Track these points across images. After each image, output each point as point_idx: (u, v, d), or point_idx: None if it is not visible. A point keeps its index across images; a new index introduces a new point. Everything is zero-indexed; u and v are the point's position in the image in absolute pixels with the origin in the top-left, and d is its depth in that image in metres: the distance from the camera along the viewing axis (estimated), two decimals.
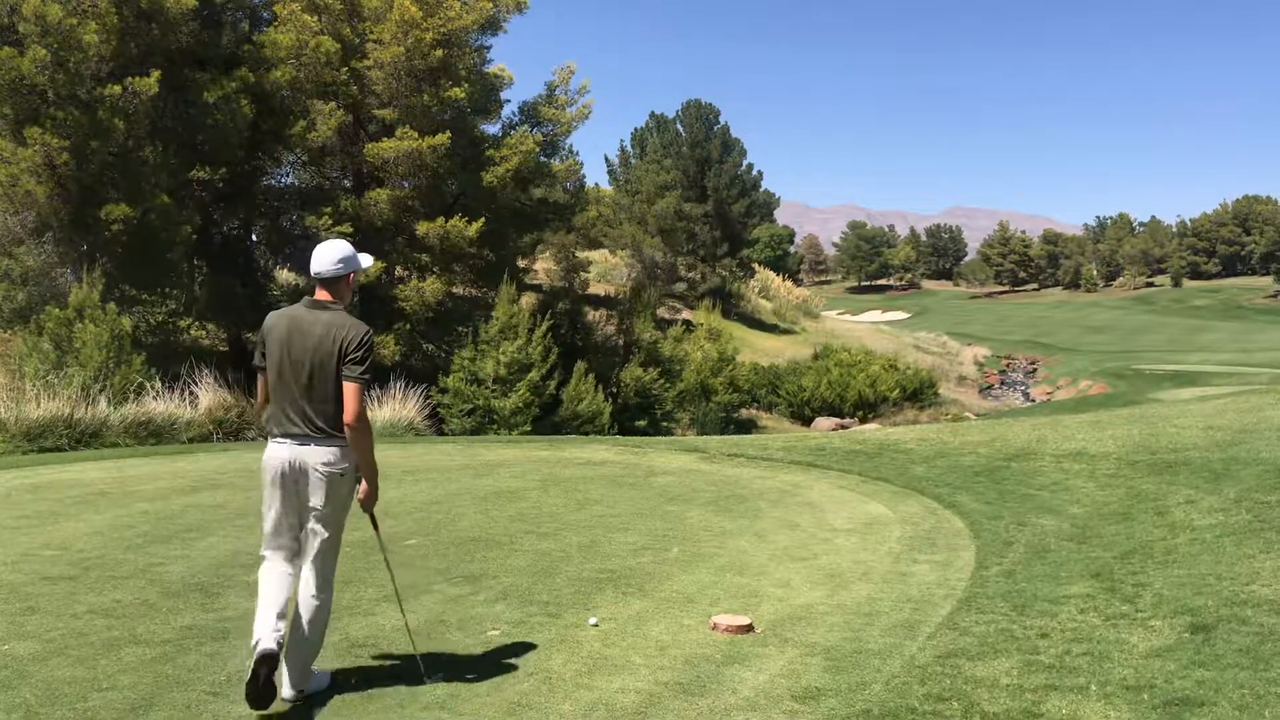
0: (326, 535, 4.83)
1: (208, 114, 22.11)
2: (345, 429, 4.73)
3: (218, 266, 26.19)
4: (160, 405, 15.99)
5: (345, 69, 25.29)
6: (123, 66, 20.99)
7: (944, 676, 4.99)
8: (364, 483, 4.86)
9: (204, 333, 26.77)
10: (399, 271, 28.09)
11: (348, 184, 27.85)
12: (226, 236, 27.71)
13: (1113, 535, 7.92)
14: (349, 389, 4.75)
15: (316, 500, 4.77)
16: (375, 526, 5.07)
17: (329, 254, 5.11)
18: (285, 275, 29.45)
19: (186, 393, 16.88)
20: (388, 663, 5.22)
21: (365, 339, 4.88)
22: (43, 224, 20.62)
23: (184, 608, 6.09)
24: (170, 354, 21.18)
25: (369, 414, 5.02)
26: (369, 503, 4.89)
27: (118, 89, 20.21)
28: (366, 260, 5.30)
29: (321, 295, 5.07)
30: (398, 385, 18.87)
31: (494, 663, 5.24)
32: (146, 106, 20.77)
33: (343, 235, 24.53)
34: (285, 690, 4.71)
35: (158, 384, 16.68)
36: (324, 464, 4.76)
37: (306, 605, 4.79)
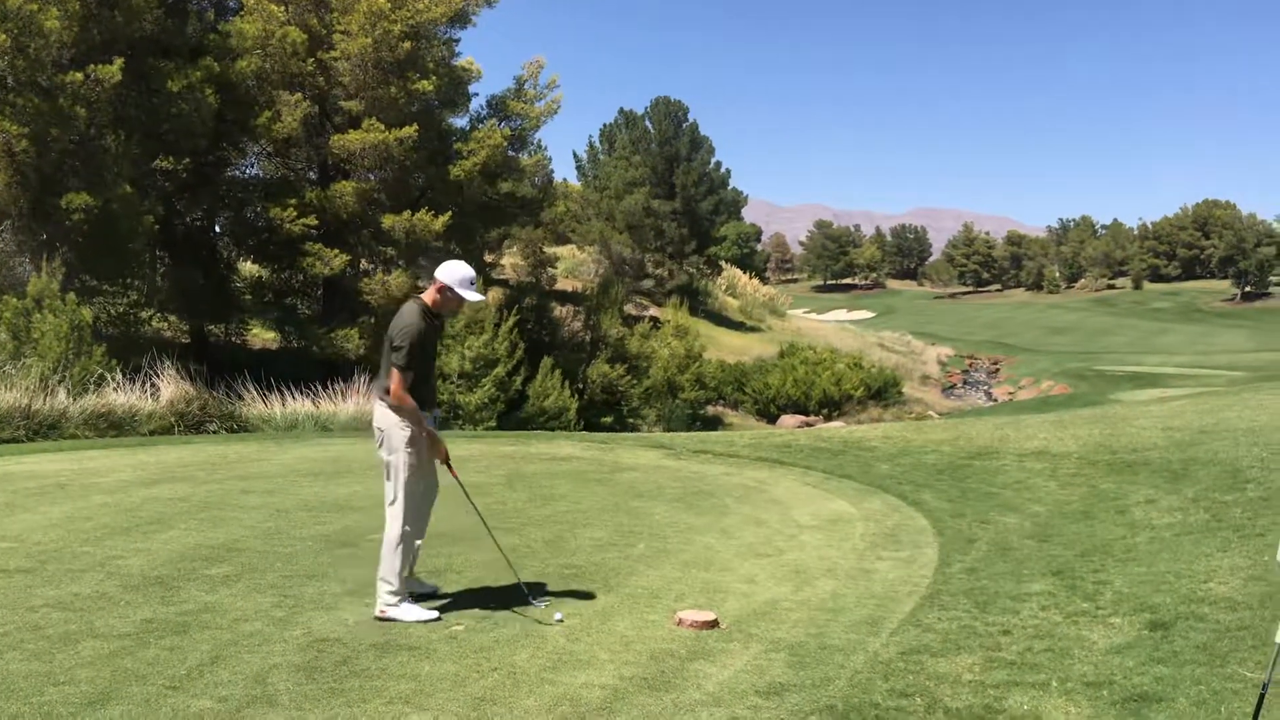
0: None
1: (172, 103, 21.84)
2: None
3: (180, 257, 25.90)
4: (121, 397, 15.80)
5: (312, 60, 25.08)
6: (85, 53, 20.69)
7: (907, 672, 5.02)
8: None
9: (166, 324, 26.46)
10: (364, 264, 27.90)
11: (313, 176, 27.62)
12: (189, 227, 27.38)
13: (1074, 534, 8.00)
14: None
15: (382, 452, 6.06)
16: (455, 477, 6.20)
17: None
18: (249, 267, 29.17)
19: (148, 385, 16.69)
20: (352, 655, 5.18)
21: (396, 328, 5.83)
22: (1, 212, 20.30)
23: (143, 601, 6.02)
24: (131, 345, 20.92)
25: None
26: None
27: (79, 76, 19.92)
28: (470, 293, 6.14)
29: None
30: (362, 379, 18.74)
31: (458, 657, 5.21)
32: (109, 94, 20.48)
33: (308, 227, 24.37)
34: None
35: (118, 375, 16.47)
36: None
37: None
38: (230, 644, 5.29)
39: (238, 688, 4.72)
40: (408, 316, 5.82)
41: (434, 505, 6.32)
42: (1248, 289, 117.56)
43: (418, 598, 6.14)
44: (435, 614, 5.83)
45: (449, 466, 6.09)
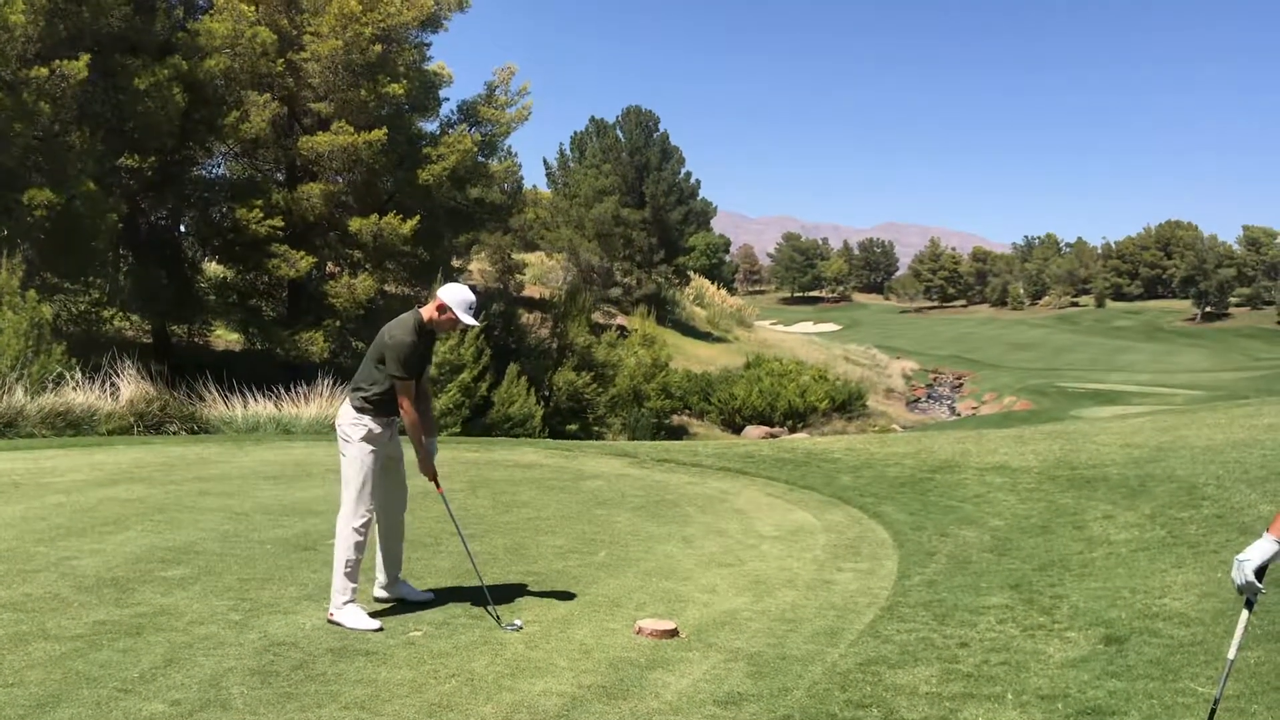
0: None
1: (138, 101, 21.63)
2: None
3: (143, 257, 25.64)
4: (80, 396, 15.60)
5: (281, 60, 24.93)
6: (50, 48, 20.45)
7: (865, 683, 5.04)
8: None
9: (128, 323, 26.17)
10: (330, 268, 27.75)
11: (280, 177, 27.43)
12: (154, 226, 27.14)
13: (1032, 548, 8.06)
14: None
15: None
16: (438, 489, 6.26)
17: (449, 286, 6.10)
18: (213, 267, 28.91)
19: (107, 384, 16.49)
20: (308, 660, 5.13)
21: (389, 345, 5.89)
22: None
23: (97, 603, 5.94)
24: (92, 344, 20.66)
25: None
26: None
27: (44, 71, 19.69)
28: (468, 317, 6.07)
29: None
30: (325, 383, 18.60)
31: (415, 663, 5.18)
32: (74, 90, 20.27)
33: (274, 229, 24.21)
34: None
35: (78, 374, 16.25)
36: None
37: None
38: (185, 647, 5.23)
39: (191, 691, 4.67)
40: (401, 334, 5.84)
41: (405, 510, 6.29)
42: (1208, 309, 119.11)
43: (409, 606, 6.12)
44: (378, 624, 5.74)
45: (436, 484, 6.16)
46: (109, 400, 15.99)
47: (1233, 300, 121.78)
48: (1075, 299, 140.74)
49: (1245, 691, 4.68)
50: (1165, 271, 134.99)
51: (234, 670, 4.95)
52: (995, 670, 5.21)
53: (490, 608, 6.06)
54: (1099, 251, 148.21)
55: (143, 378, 17.04)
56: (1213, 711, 4.14)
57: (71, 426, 14.86)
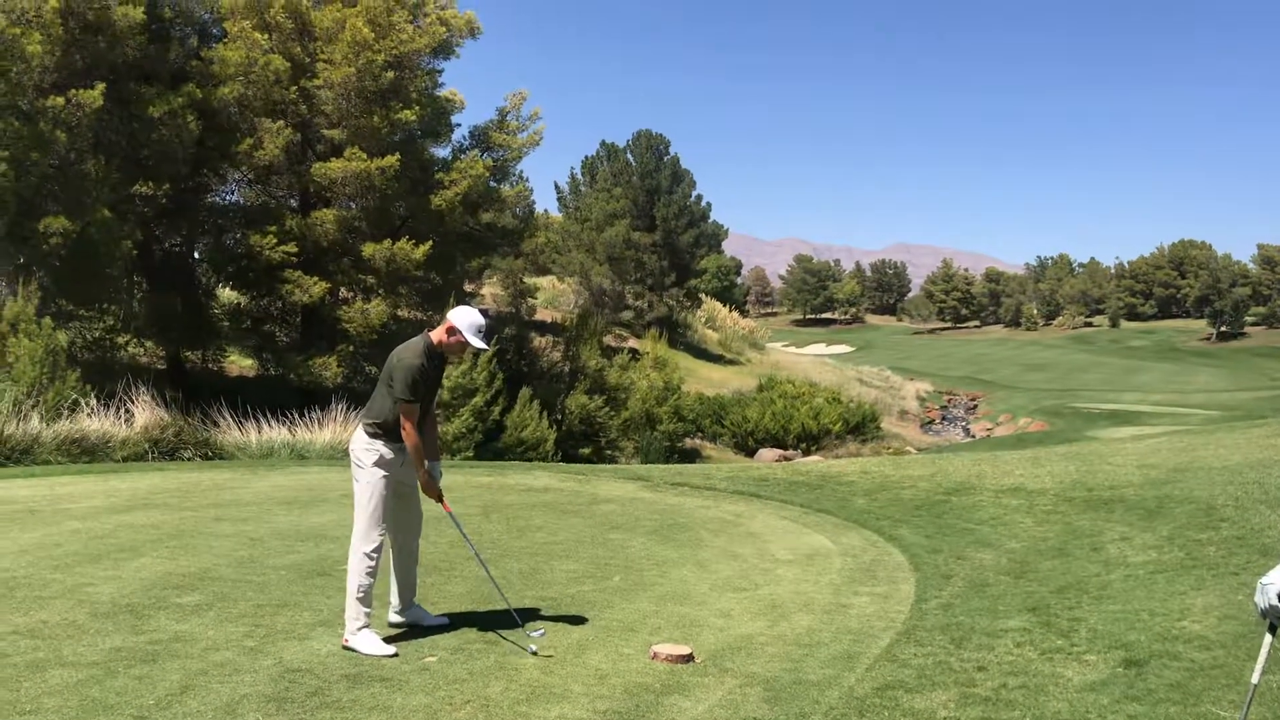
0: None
1: (153, 129, 21.82)
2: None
3: (158, 283, 25.78)
4: (95, 423, 15.65)
5: (294, 88, 25.11)
6: (67, 78, 20.67)
7: (882, 708, 5.00)
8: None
9: (142, 350, 26.28)
10: (344, 293, 27.83)
11: (294, 203, 27.59)
12: (168, 253, 27.29)
13: (1049, 570, 8.01)
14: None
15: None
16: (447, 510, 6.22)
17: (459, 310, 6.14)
18: (227, 294, 29.04)
19: (122, 410, 16.54)
20: (324, 686, 5.12)
21: (397, 368, 5.91)
22: None
23: (113, 629, 5.95)
24: (107, 371, 20.76)
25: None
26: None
27: (60, 101, 19.89)
28: (478, 341, 6.08)
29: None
30: (339, 408, 18.64)
31: (430, 689, 5.17)
32: (90, 119, 20.45)
33: (287, 255, 24.32)
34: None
35: (93, 401, 16.33)
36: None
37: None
38: (200, 673, 5.23)
39: (207, 718, 4.66)
40: (410, 357, 5.87)
41: (419, 535, 6.30)
42: (1223, 329, 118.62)
43: (422, 631, 6.11)
44: (393, 650, 5.72)
45: (443, 504, 6.13)
46: (124, 427, 16.04)
47: (1248, 319, 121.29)
48: (1089, 319, 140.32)
49: (1270, 717, 4.64)
50: (1179, 291, 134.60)
51: (249, 697, 4.94)
52: (1013, 694, 5.17)
53: (518, 629, 6.05)
54: (1112, 271, 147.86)
55: (157, 404, 17.10)
56: None
57: (87, 453, 14.91)
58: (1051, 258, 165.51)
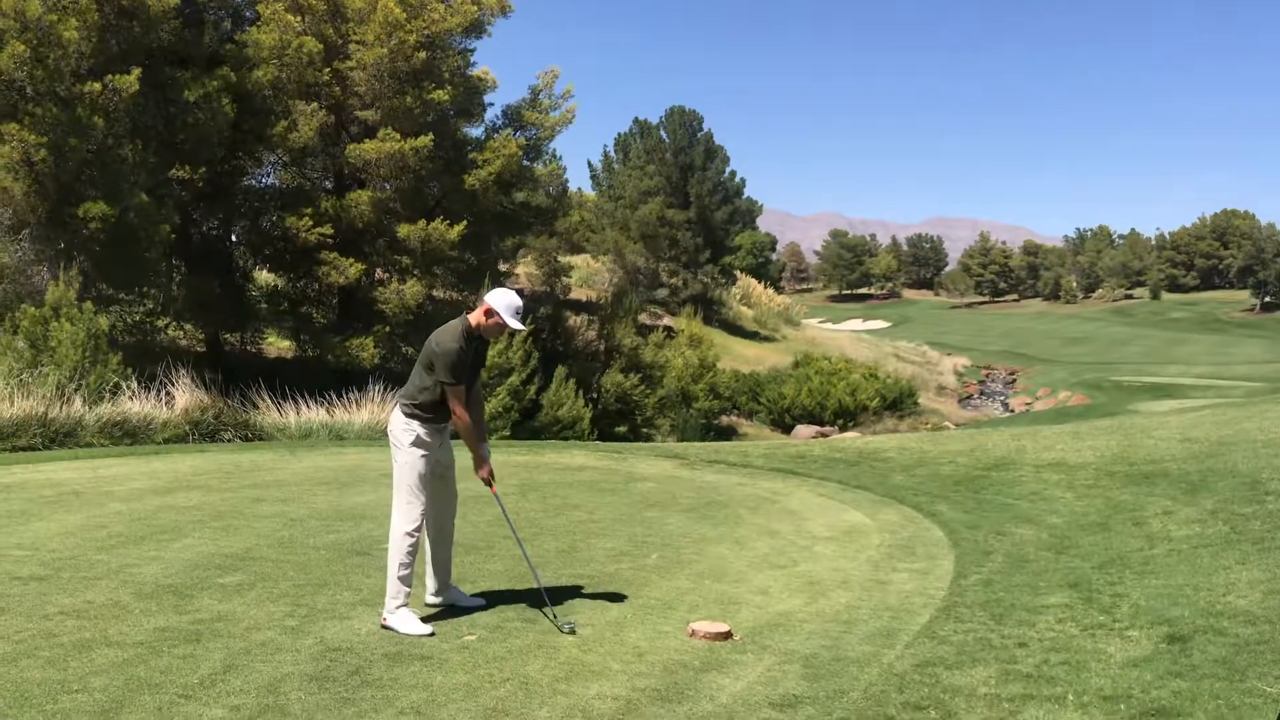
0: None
1: (188, 113, 21.98)
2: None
3: (196, 266, 26.04)
4: (136, 405, 15.83)
5: (328, 69, 25.20)
6: (103, 64, 20.84)
7: (922, 685, 4.98)
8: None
9: (181, 333, 26.58)
10: (379, 274, 27.98)
11: (329, 185, 27.74)
12: (205, 236, 27.55)
13: (1090, 545, 7.94)
14: None
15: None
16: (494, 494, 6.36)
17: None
18: (264, 276, 29.28)
19: (163, 393, 16.73)
20: (364, 665, 5.16)
21: (437, 352, 5.91)
22: (19, 221, 20.44)
23: (157, 609, 6.02)
24: (147, 354, 21.01)
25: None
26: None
27: (97, 86, 20.07)
28: (515, 322, 6.10)
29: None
30: (377, 388, 18.76)
31: (471, 668, 5.20)
32: (126, 104, 20.62)
33: (323, 237, 24.47)
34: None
35: (134, 384, 16.50)
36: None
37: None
38: (243, 653, 5.28)
39: (250, 697, 4.71)
40: (448, 341, 5.89)
41: (455, 515, 6.33)
42: (1267, 299, 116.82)
43: (460, 611, 6.16)
44: (429, 629, 5.75)
45: (490, 485, 6.22)
46: (164, 409, 16.22)
47: None
48: (1129, 291, 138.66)
49: None
50: (1222, 262, 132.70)
51: (291, 676, 4.99)
52: (1055, 670, 5.12)
53: (547, 609, 6.07)
54: (1153, 243, 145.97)
55: (197, 386, 17.27)
56: None
57: (129, 435, 15.10)
58: (1091, 229, 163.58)
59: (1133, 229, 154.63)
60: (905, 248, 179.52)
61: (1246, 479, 9.47)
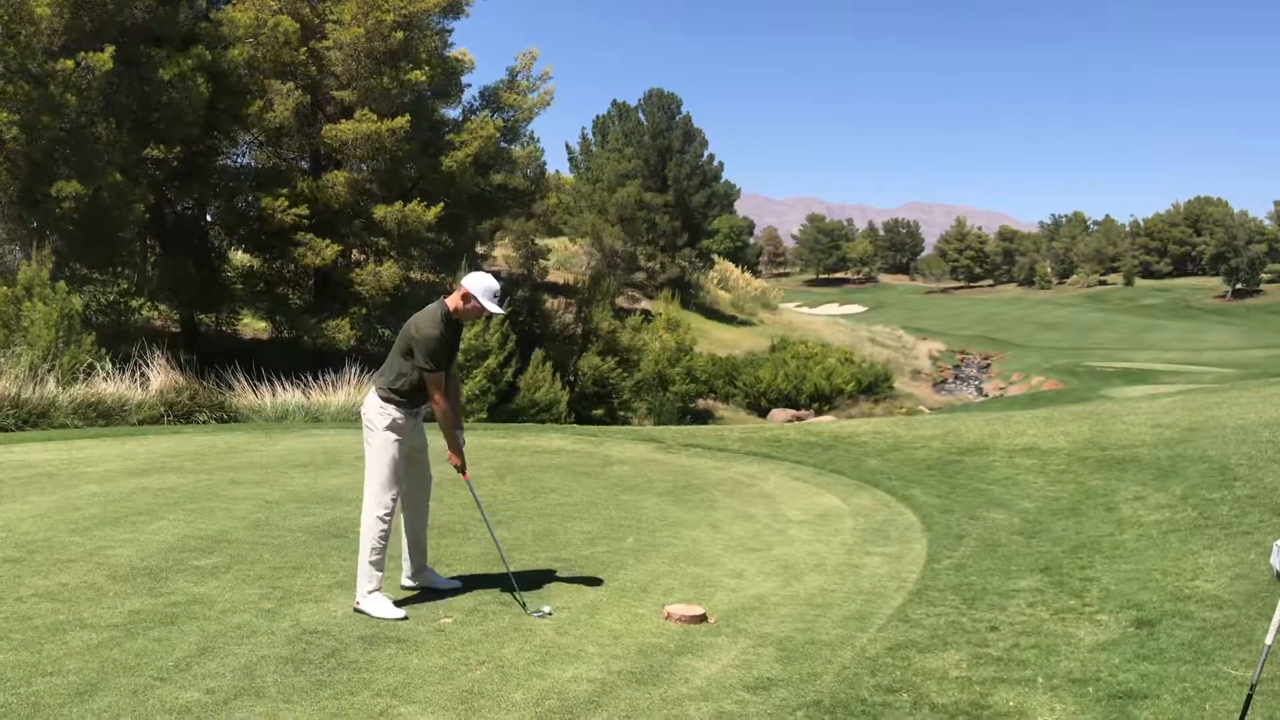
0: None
1: (163, 91, 21.78)
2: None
3: (171, 246, 25.84)
4: (110, 386, 15.73)
5: (304, 49, 25.02)
6: (76, 41, 20.61)
7: (894, 668, 5.04)
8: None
9: (156, 313, 26.40)
10: (355, 255, 27.85)
11: (305, 166, 27.57)
12: (180, 216, 27.33)
13: (1062, 530, 8.02)
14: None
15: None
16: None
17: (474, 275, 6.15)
18: (240, 256, 29.08)
19: (137, 374, 16.61)
20: (340, 648, 5.17)
21: (418, 339, 5.89)
22: None
23: (132, 592, 6.01)
24: (121, 334, 20.86)
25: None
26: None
27: (70, 64, 19.85)
28: (493, 305, 6.03)
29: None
30: (353, 370, 18.69)
31: (446, 651, 5.21)
32: (100, 82, 20.42)
33: (299, 217, 24.32)
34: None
35: (108, 365, 16.39)
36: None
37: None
38: (218, 635, 5.28)
39: (226, 679, 4.71)
40: (428, 327, 5.86)
41: (430, 498, 6.34)
42: (1239, 286, 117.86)
43: (436, 594, 6.16)
44: (403, 613, 5.75)
45: (463, 473, 6.19)
46: (139, 390, 16.11)
47: (1264, 277, 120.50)
48: (1103, 278, 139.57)
49: None
50: (1195, 248, 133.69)
51: (267, 658, 4.99)
52: (1025, 654, 5.19)
53: (517, 594, 6.09)
54: (1127, 229, 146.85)
55: (172, 367, 17.16)
56: (1249, 697, 4.11)
57: (103, 417, 15.00)
58: (1066, 216, 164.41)
59: (1107, 215, 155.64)
60: (882, 233, 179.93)
61: (1216, 465, 9.58)
